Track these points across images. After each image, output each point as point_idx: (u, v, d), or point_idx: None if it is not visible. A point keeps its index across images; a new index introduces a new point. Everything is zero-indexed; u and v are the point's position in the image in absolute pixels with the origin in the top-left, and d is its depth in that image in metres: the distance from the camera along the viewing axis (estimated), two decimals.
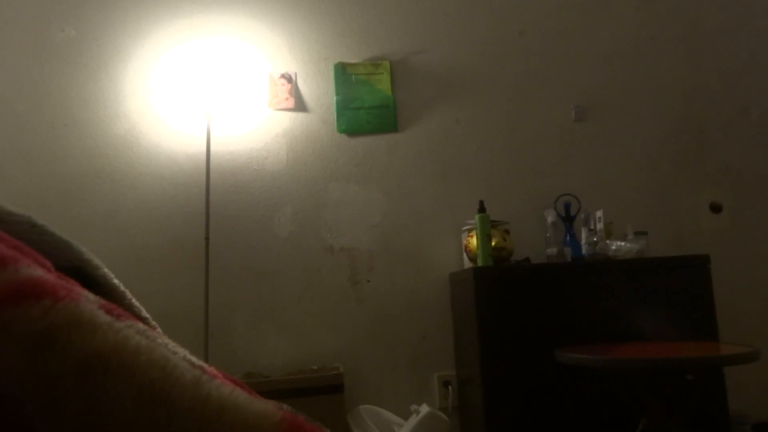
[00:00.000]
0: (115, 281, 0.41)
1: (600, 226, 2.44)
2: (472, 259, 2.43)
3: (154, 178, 2.66)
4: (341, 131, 2.75)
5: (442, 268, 2.67)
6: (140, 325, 0.30)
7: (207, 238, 2.50)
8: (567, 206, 2.59)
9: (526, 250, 2.57)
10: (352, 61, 2.80)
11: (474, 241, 2.39)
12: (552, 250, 2.47)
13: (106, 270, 0.41)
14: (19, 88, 2.68)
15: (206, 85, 2.67)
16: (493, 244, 2.33)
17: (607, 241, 2.39)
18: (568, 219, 2.57)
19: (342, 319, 2.62)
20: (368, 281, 2.65)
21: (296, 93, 2.77)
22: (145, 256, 2.58)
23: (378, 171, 2.74)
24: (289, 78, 2.77)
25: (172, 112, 2.72)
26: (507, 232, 2.44)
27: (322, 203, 2.69)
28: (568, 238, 2.53)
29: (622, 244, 2.34)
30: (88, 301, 0.29)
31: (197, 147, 2.68)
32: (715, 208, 2.73)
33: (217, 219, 2.61)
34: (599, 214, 2.46)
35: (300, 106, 2.76)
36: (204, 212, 2.53)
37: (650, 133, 2.86)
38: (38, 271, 0.28)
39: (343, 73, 2.79)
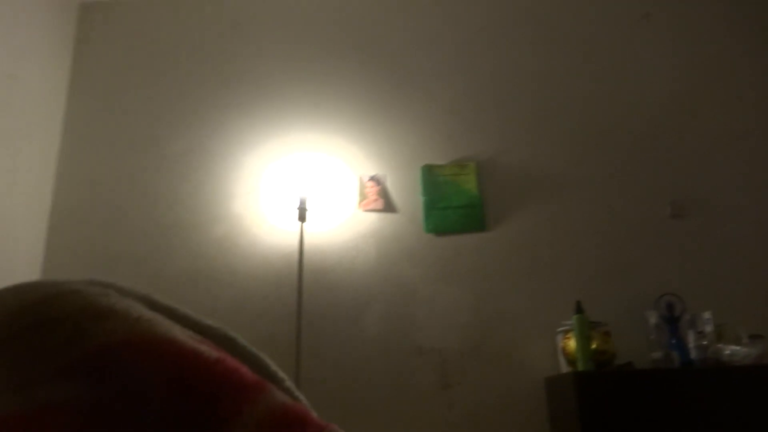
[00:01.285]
0: (300, 395, 0.42)
1: (709, 328, 2.28)
2: (571, 363, 2.31)
3: (249, 277, 2.76)
4: (429, 231, 2.78)
5: (536, 370, 2.54)
6: None
7: (298, 337, 2.53)
8: (670, 306, 2.45)
9: (628, 354, 2.42)
10: (439, 162, 2.88)
11: (572, 344, 2.29)
12: (657, 354, 2.32)
13: (290, 383, 0.42)
14: (134, 195, 2.93)
15: (300, 189, 2.80)
16: (593, 346, 2.22)
17: (719, 345, 2.22)
18: (671, 320, 2.42)
19: (432, 425, 2.51)
20: (459, 384, 2.56)
21: (385, 194, 2.86)
22: None
23: (467, 270, 2.72)
24: (377, 180, 2.88)
25: (266, 215, 2.86)
26: (607, 333, 2.33)
27: (410, 302, 2.69)
28: (673, 341, 2.37)
29: (738, 348, 2.17)
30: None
31: (290, 247, 2.78)
32: None
33: (307, 317, 2.65)
34: (707, 315, 2.31)
35: (388, 206, 2.84)
36: (295, 311, 2.58)
37: (751, 226, 2.71)
38: (284, 395, 0.29)
39: (429, 174, 2.86)
